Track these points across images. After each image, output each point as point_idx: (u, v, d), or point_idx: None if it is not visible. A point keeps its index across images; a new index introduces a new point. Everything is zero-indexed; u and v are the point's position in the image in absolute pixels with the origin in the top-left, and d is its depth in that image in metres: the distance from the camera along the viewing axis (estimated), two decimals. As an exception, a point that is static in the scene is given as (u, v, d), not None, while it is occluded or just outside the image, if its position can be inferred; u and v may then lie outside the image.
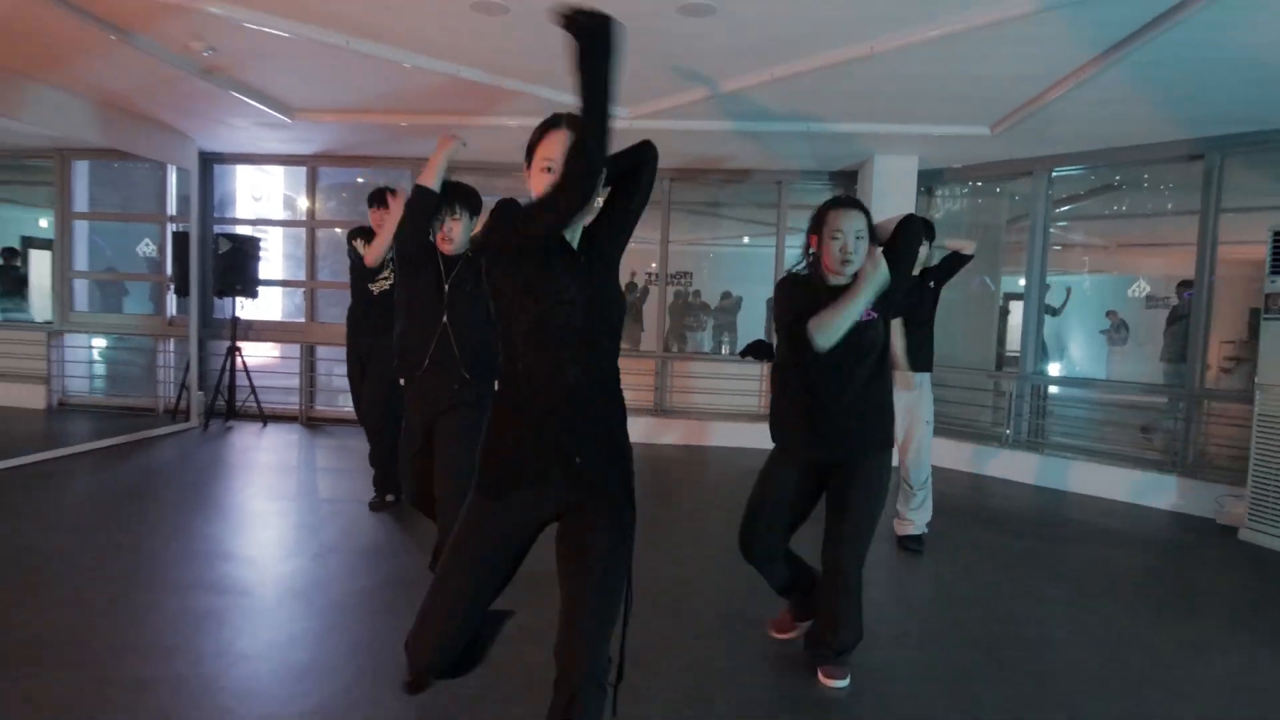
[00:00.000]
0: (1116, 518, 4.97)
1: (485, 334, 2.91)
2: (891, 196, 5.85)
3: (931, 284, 3.98)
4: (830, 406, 2.42)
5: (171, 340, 7.06)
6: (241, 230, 7.21)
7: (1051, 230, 6.16)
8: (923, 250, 3.88)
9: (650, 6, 3.50)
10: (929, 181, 6.52)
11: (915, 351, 3.96)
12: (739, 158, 6.54)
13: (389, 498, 4.37)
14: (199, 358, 6.85)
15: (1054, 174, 5.97)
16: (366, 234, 4.21)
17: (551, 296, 1.53)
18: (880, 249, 2.47)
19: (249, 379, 6.78)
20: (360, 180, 7.58)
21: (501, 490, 1.62)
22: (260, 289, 6.84)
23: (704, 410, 7.07)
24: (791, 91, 4.62)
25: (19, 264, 7.57)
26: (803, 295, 2.45)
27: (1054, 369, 8.43)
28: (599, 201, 1.69)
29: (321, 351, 7.25)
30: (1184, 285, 6.46)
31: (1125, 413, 6.26)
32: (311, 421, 7.12)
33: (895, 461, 4.08)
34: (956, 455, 6.19)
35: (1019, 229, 6.49)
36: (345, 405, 6.60)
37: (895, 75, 4.24)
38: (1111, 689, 2.62)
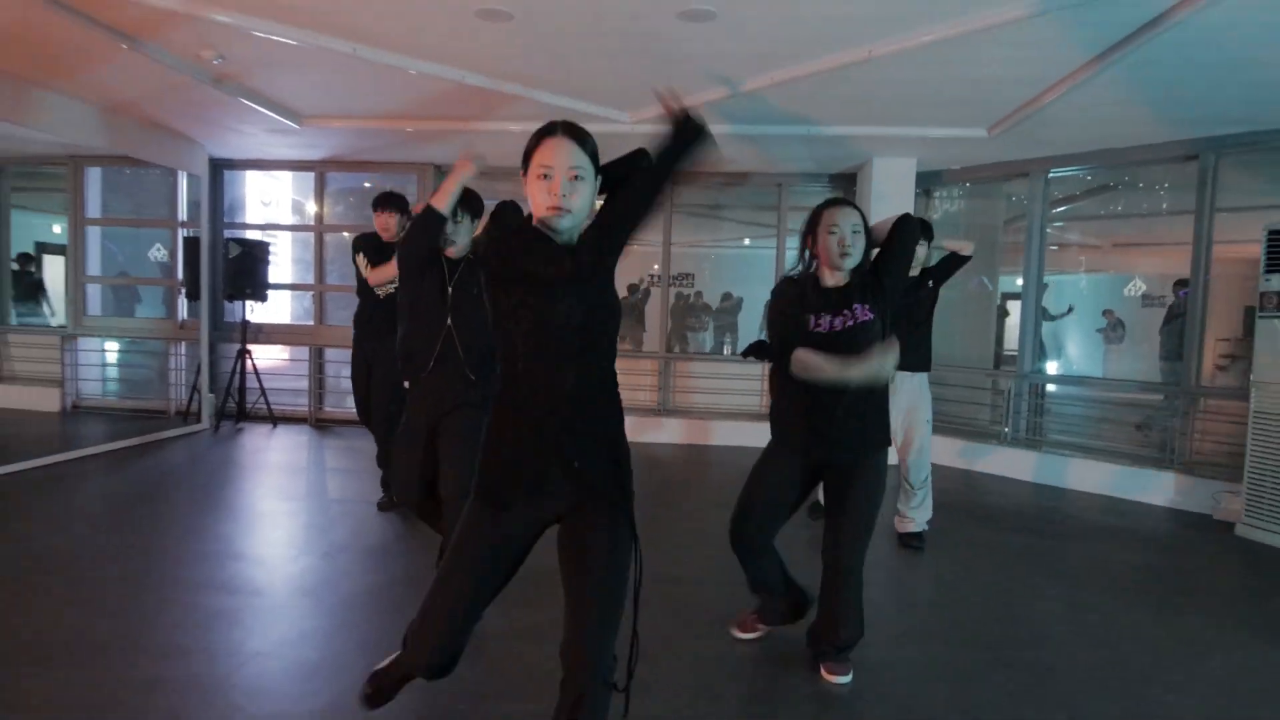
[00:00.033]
0: (1114, 514, 5.00)
1: (489, 336, 2.91)
2: (890, 198, 5.90)
3: (930, 284, 4.01)
4: (830, 407, 2.43)
5: (183, 343, 7.15)
6: (251, 235, 7.30)
7: (1048, 230, 6.20)
8: (921, 250, 3.93)
9: (651, 12, 3.55)
10: (927, 183, 6.57)
11: (914, 351, 3.97)
12: (739, 161, 6.57)
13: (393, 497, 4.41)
14: (210, 360, 6.94)
15: (1050, 175, 6.01)
16: (371, 242, 4.22)
17: (549, 304, 1.55)
18: (884, 342, 2.43)
19: (259, 381, 6.87)
20: (367, 185, 7.66)
21: (500, 498, 1.64)
22: (270, 292, 6.92)
23: (706, 410, 7.14)
24: (791, 95, 4.67)
25: (33, 269, 7.68)
26: (794, 301, 2.48)
27: (1051, 367, 8.46)
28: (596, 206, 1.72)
29: (330, 354, 7.32)
30: (1180, 284, 6.50)
31: (1122, 410, 6.30)
32: (320, 423, 7.19)
33: (895, 461, 4.15)
34: (956, 453, 6.23)
35: (1016, 229, 6.53)
36: (353, 407, 6.67)
37: (893, 79, 4.28)
38: (1111, 685, 2.63)
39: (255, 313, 6.97)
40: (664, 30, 3.75)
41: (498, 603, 3.00)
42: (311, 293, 7.53)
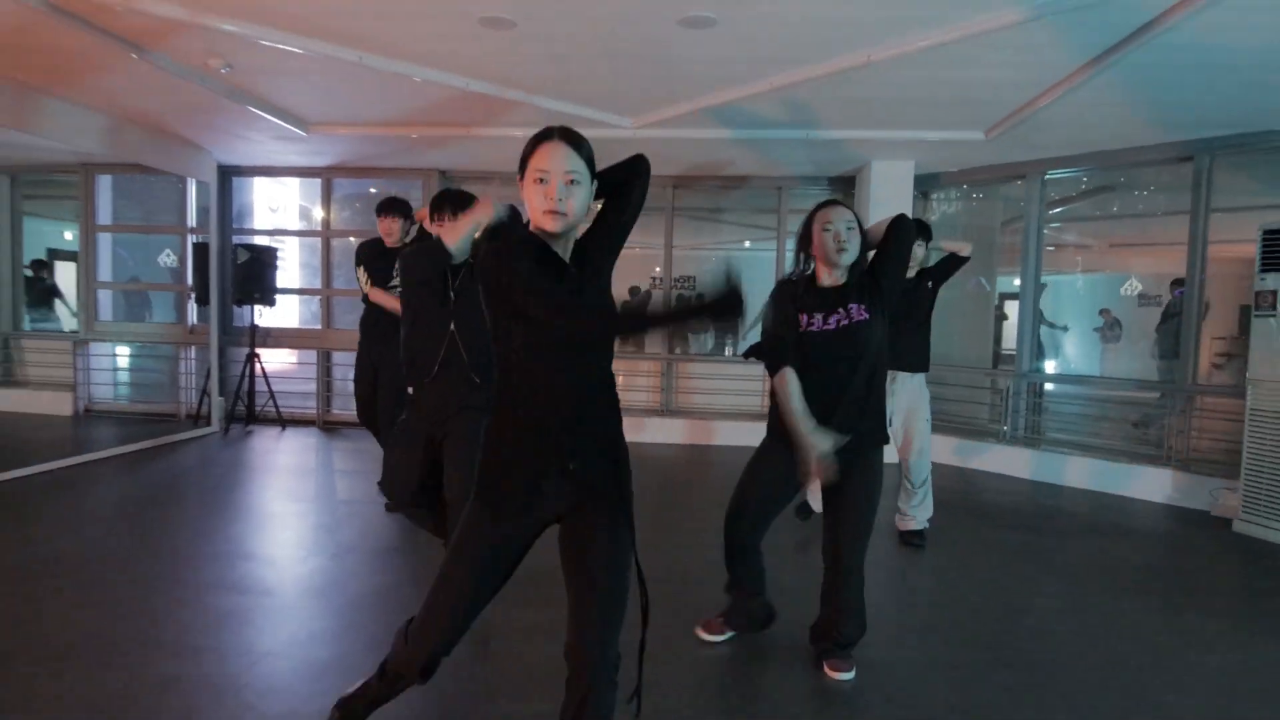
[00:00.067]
0: (1113, 511, 5.02)
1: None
2: (888, 200, 5.93)
3: (930, 284, 4.04)
4: (831, 407, 2.44)
5: (192, 348, 7.24)
6: (259, 240, 7.38)
7: (1045, 231, 6.25)
8: (919, 251, 3.98)
9: (652, 19, 3.60)
10: (925, 185, 6.62)
11: (913, 352, 4.03)
12: (739, 165, 6.63)
13: None
14: (219, 364, 7.00)
15: (1047, 176, 6.06)
16: (374, 249, 4.26)
17: (545, 309, 1.56)
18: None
19: (268, 384, 6.93)
20: (373, 190, 7.73)
21: (499, 499, 1.65)
22: (278, 297, 6.99)
23: (708, 410, 7.20)
24: (790, 100, 4.72)
25: (45, 275, 7.78)
26: (789, 301, 2.52)
27: (1049, 366, 8.50)
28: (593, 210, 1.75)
29: (337, 357, 7.39)
30: (1177, 283, 6.53)
31: (1120, 408, 6.33)
32: (328, 425, 7.26)
33: (896, 459, 4.20)
34: (955, 452, 6.27)
35: (1013, 230, 6.57)
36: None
37: (891, 83, 4.33)
38: (1111, 681, 2.64)
39: (264, 317, 7.03)
40: (665, 37, 3.80)
41: (502, 602, 3.06)
42: (319, 297, 7.61)
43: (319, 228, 7.62)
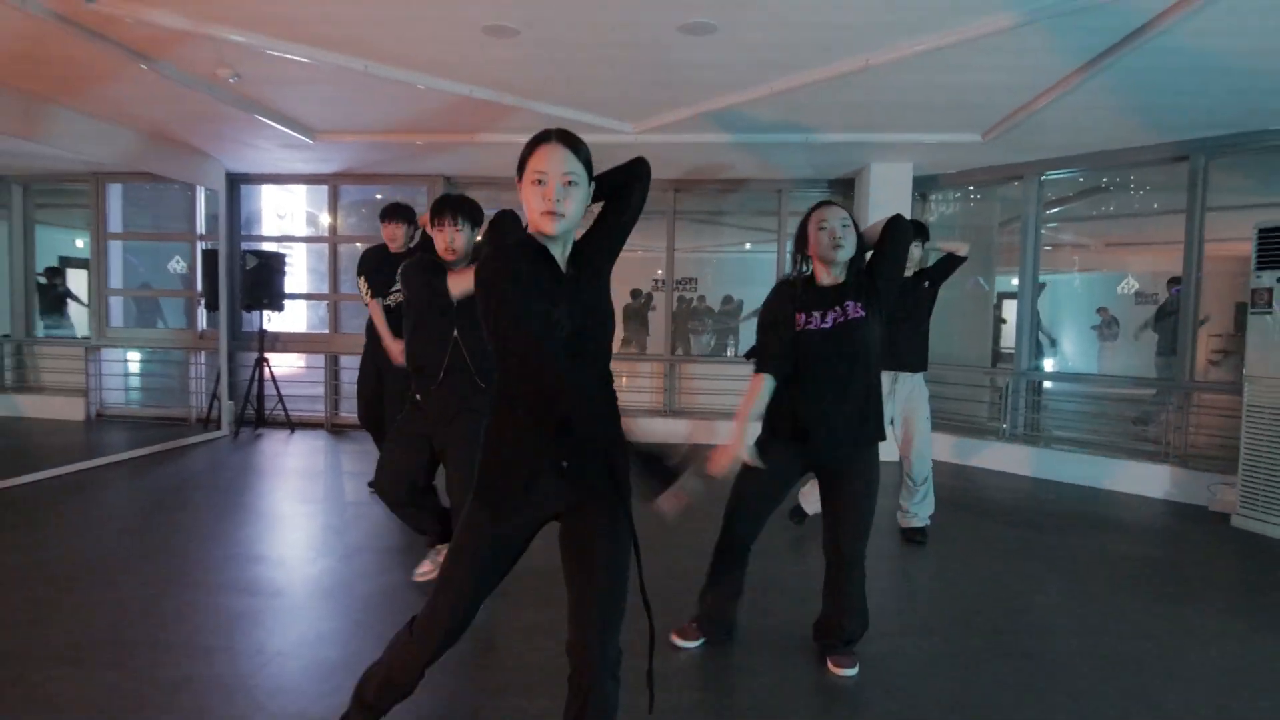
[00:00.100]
0: (1112, 507, 5.05)
1: None
2: (887, 202, 5.97)
3: (927, 284, 4.08)
4: (828, 404, 2.47)
5: (202, 353, 7.30)
6: (267, 247, 7.44)
7: (1042, 231, 6.28)
8: (916, 251, 4.01)
9: (653, 26, 3.65)
10: (923, 187, 6.66)
11: (912, 351, 4.07)
12: (740, 168, 6.68)
13: None
14: (229, 369, 7.06)
15: (1044, 177, 6.09)
16: (377, 255, 4.31)
17: (541, 316, 1.56)
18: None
19: (276, 388, 7.00)
20: (379, 196, 7.81)
21: (497, 498, 1.67)
22: (286, 302, 7.03)
23: (710, 410, 7.25)
24: (790, 104, 4.76)
25: (59, 282, 7.87)
26: (786, 301, 2.56)
27: (1047, 364, 8.54)
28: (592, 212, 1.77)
29: (345, 360, 7.44)
30: (1174, 281, 6.57)
31: (1118, 405, 6.36)
32: (336, 428, 7.31)
33: (897, 458, 4.23)
34: (956, 449, 6.30)
35: (1011, 231, 6.61)
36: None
37: (889, 87, 4.37)
38: (1112, 676, 2.66)
39: (272, 322, 7.09)
40: (666, 43, 3.85)
41: (506, 602, 3.09)
42: (326, 302, 7.67)
43: (326, 233, 7.69)
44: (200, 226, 7.38)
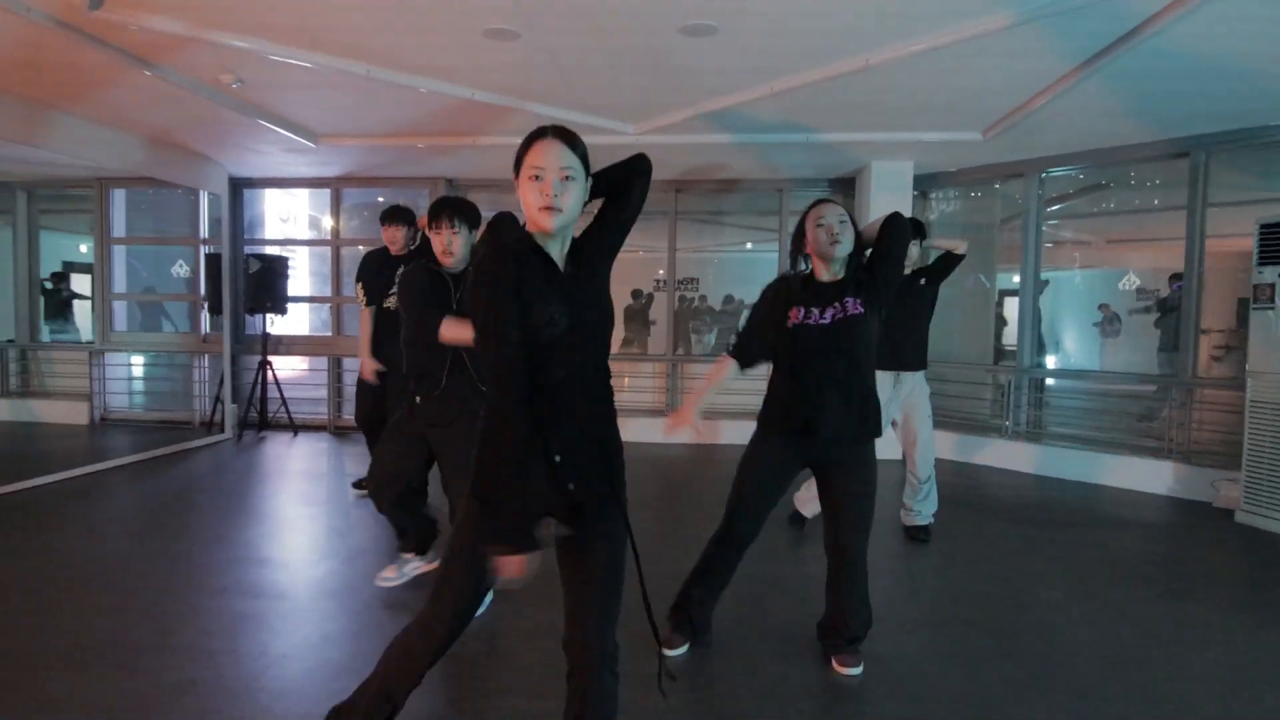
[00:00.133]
0: (1115, 504, 5.05)
1: None
2: (888, 201, 5.93)
3: (923, 281, 4.08)
4: (828, 403, 2.48)
5: (206, 356, 7.34)
6: (270, 250, 7.47)
7: (1043, 228, 6.28)
8: (914, 249, 4.04)
9: (653, 28, 3.67)
10: (924, 185, 6.67)
11: (913, 350, 4.08)
12: (741, 168, 6.70)
13: None
14: (232, 372, 7.10)
15: (1044, 175, 6.10)
16: (376, 259, 4.32)
17: (536, 316, 1.56)
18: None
19: (279, 391, 7.02)
20: (381, 199, 7.82)
21: (493, 500, 1.64)
22: (289, 305, 7.08)
23: (713, 410, 7.25)
24: (790, 104, 4.77)
25: (64, 288, 7.89)
26: (782, 295, 2.58)
27: (1049, 361, 8.54)
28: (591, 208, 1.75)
29: (348, 363, 7.44)
30: (1175, 278, 6.56)
31: (1120, 402, 6.35)
32: (340, 430, 7.32)
33: (900, 456, 4.25)
34: (959, 447, 6.31)
35: (1012, 228, 6.61)
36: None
37: (890, 86, 4.38)
38: (1117, 672, 2.66)
39: (275, 325, 7.12)
40: (666, 45, 3.87)
41: (509, 603, 3.09)
42: (329, 305, 7.70)
43: (328, 237, 7.72)
44: (203, 231, 7.40)
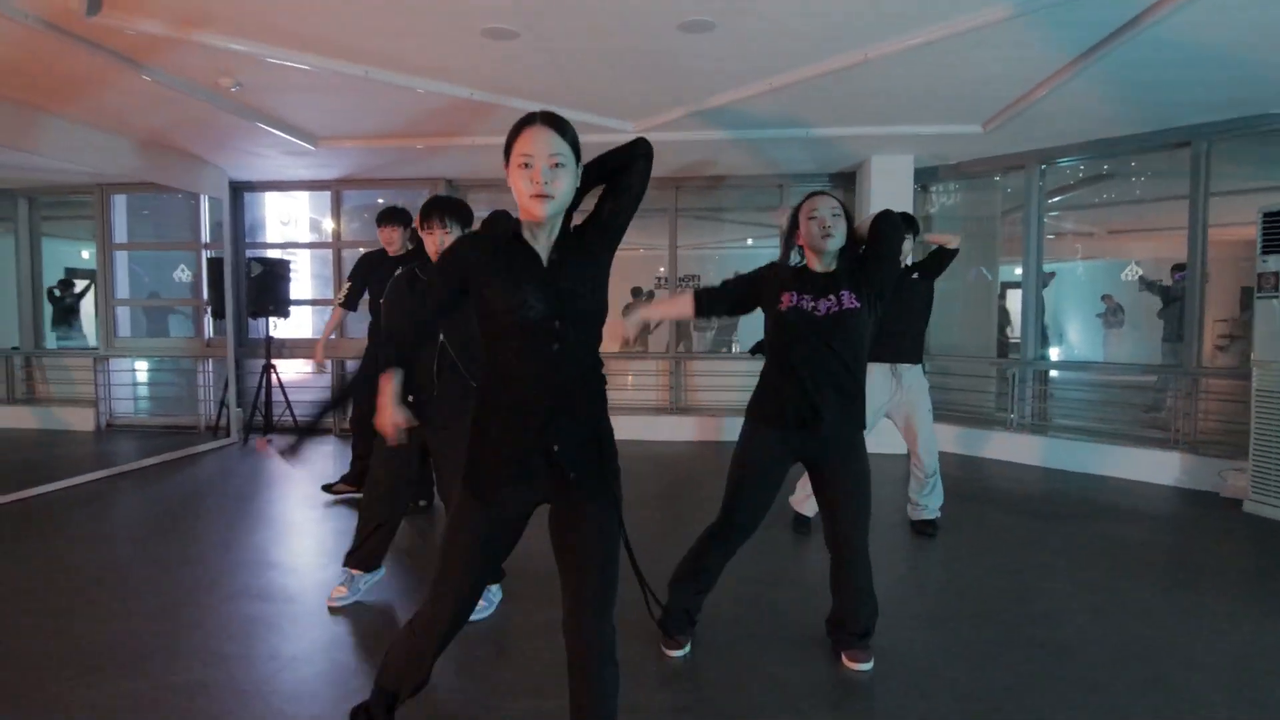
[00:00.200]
0: (1122, 495, 5.04)
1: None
2: (889, 195, 5.95)
3: (915, 275, 4.07)
4: (820, 396, 2.47)
5: (209, 361, 7.36)
6: (271, 254, 7.50)
7: (1045, 220, 6.27)
8: (906, 244, 4.02)
9: (652, 25, 3.67)
10: (924, 179, 6.66)
11: (911, 344, 4.06)
12: (741, 164, 6.70)
13: (421, 502, 4.50)
14: (236, 376, 7.11)
15: (1045, 166, 6.09)
16: (375, 259, 4.32)
17: (507, 298, 1.58)
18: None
19: (284, 394, 7.00)
20: (381, 201, 7.83)
21: (487, 492, 1.68)
22: (291, 309, 7.08)
23: (716, 407, 7.26)
24: (790, 99, 4.77)
25: (69, 293, 7.92)
26: (777, 275, 2.58)
27: (1053, 353, 8.53)
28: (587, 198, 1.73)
29: (351, 365, 7.44)
30: (1177, 268, 6.54)
31: (1125, 393, 6.34)
32: (344, 432, 7.25)
33: (905, 451, 4.23)
34: (963, 440, 6.30)
35: (1013, 220, 6.60)
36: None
37: (889, 80, 4.38)
38: (1127, 663, 2.65)
39: (278, 328, 7.13)
40: (665, 42, 3.87)
41: (516, 602, 3.09)
42: (331, 307, 7.69)
43: (329, 239, 7.74)
44: (205, 235, 7.42)
